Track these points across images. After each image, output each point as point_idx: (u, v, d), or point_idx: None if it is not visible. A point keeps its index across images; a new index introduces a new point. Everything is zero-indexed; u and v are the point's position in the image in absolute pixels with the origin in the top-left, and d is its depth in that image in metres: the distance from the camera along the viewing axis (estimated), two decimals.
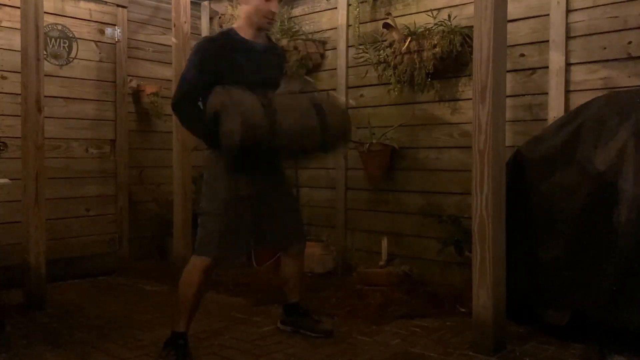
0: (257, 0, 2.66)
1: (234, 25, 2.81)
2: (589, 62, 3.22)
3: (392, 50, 3.84)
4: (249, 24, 2.72)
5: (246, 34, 2.73)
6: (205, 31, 5.21)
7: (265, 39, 2.84)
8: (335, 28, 4.35)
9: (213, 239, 2.60)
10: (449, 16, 3.66)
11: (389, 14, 3.91)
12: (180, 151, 4.08)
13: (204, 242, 2.63)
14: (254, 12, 2.69)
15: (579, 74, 3.25)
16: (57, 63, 4.29)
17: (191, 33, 4.22)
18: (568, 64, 3.28)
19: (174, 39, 4.09)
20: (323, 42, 4.43)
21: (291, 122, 2.52)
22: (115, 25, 4.60)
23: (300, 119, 2.56)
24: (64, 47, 4.33)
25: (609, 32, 3.15)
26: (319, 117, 2.57)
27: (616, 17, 3.13)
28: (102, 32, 4.54)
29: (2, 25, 3.99)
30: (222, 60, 2.61)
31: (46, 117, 3.59)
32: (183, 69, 2.77)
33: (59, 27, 4.30)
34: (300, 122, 2.55)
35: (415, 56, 3.69)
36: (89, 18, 4.46)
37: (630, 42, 3.08)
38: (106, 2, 4.54)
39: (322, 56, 4.44)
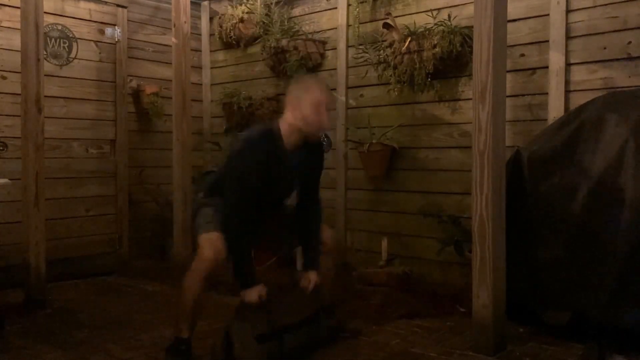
0: (309, 111, 2.52)
1: (282, 127, 2.58)
2: (589, 62, 3.22)
3: (392, 50, 3.84)
4: (295, 132, 2.58)
5: (290, 141, 2.59)
6: (205, 31, 5.22)
7: (302, 143, 2.67)
8: (335, 28, 4.34)
9: (214, 219, 2.58)
10: (449, 16, 3.66)
11: (389, 14, 3.91)
12: (180, 151, 4.08)
13: (205, 223, 2.59)
14: (303, 123, 2.55)
15: (579, 74, 3.25)
16: (57, 63, 4.29)
17: (191, 33, 4.23)
18: (568, 64, 3.28)
19: (174, 39, 4.09)
20: (323, 42, 4.43)
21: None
22: (115, 25, 4.61)
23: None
24: (64, 47, 4.33)
25: (609, 32, 3.15)
26: None
27: (616, 17, 3.12)
28: (102, 32, 4.54)
29: (2, 25, 3.99)
30: (260, 174, 2.53)
31: (46, 117, 3.59)
32: (230, 189, 2.59)
33: (59, 27, 4.30)
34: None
35: (415, 56, 3.69)
36: (89, 18, 4.47)
37: (630, 42, 3.08)
38: (106, 2, 4.54)
39: (322, 56, 4.44)
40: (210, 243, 2.53)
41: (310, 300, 2.72)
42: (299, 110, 2.55)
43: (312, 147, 2.74)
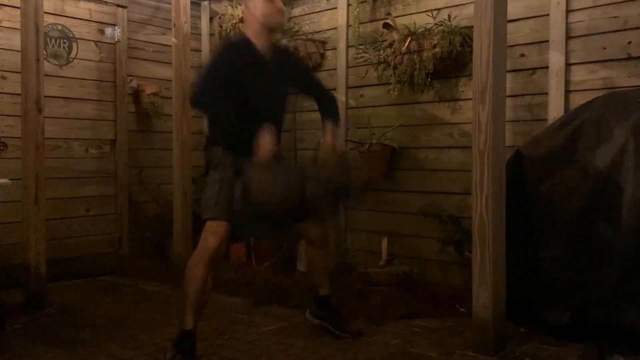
0: (263, 6, 2.69)
1: (249, 34, 2.77)
2: (589, 62, 3.22)
3: (392, 50, 3.84)
4: (261, 31, 2.74)
5: (260, 43, 2.75)
6: (205, 31, 5.22)
7: (273, 46, 2.84)
8: (335, 28, 4.34)
9: (218, 200, 2.58)
10: (449, 16, 3.66)
11: (389, 14, 3.91)
12: (180, 151, 4.08)
13: (210, 205, 2.59)
14: (263, 18, 2.70)
15: (579, 74, 3.25)
16: (57, 63, 4.29)
17: (191, 33, 4.23)
18: (568, 64, 3.28)
19: (174, 39, 4.09)
20: (323, 42, 4.43)
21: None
22: (115, 25, 4.61)
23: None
24: (64, 47, 4.33)
25: (609, 32, 3.15)
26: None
27: (616, 17, 3.13)
28: (102, 32, 4.54)
29: (2, 25, 3.99)
30: (237, 71, 2.64)
31: (46, 117, 3.59)
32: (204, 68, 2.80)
33: (59, 27, 4.30)
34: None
35: (415, 56, 3.69)
36: (89, 18, 4.47)
37: (630, 42, 3.08)
38: (106, 2, 4.55)
39: (322, 56, 4.43)
40: (214, 231, 2.56)
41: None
42: (254, 9, 2.71)
43: (284, 53, 2.93)
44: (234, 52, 2.70)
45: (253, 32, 2.75)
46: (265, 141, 2.51)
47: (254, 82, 2.69)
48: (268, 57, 2.77)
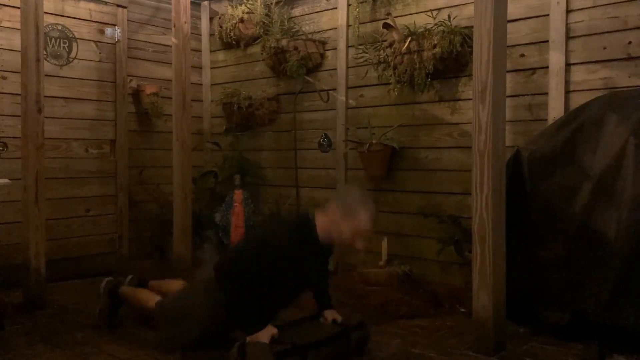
0: (350, 235, 2.56)
1: (318, 223, 2.58)
2: (589, 62, 3.23)
3: (392, 50, 3.84)
4: (336, 236, 2.59)
5: (325, 239, 2.61)
6: (205, 31, 5.22)
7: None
8: (335, 28, 4.35)
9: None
10: (449, 16, 3.66)
11: (389, 14, 3.91)
12: (180, 151, 4.08)
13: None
14: (338, 238, 2.58)
15: (579, 74, 3.25)
16: (57, 63, 4.29)
17: (191, 33, 4.23)
18: (568, 64, 3.28)
19: (174, 39, 4.08)
20: (323, 42, 4.43)
21: None
22: (115, 25, 4.61)
23: None
24: (64, 47, 4.33)
25: (609, 32, 3.15)
26: None
27: (616, 17, 3.13)
28: (102, 32, 4.54)
29: (2, 25, 3.99)
30: (282, 265, 2.50)
31: (46, 117, 3.59)
32: (246, 243, 2.69)
33: (59, 27, 4.30)
34: None
35: (415, 56, 3.69)
36: (89, 18, 4.46)
37: (630, 42, 3.09)
38: (106, 2, 4.54)
39: (322, 56, 4.44)
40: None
41: (332, 324, 2.68)
42: (342, 226, 2.55)
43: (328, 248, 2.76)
44: (294, 246, 2.51)
45: (325, 233, 2.59)
46: (262, 339, 2.38)
47: (299, 270, 2.59)
48: (318, 250, 2.65)
